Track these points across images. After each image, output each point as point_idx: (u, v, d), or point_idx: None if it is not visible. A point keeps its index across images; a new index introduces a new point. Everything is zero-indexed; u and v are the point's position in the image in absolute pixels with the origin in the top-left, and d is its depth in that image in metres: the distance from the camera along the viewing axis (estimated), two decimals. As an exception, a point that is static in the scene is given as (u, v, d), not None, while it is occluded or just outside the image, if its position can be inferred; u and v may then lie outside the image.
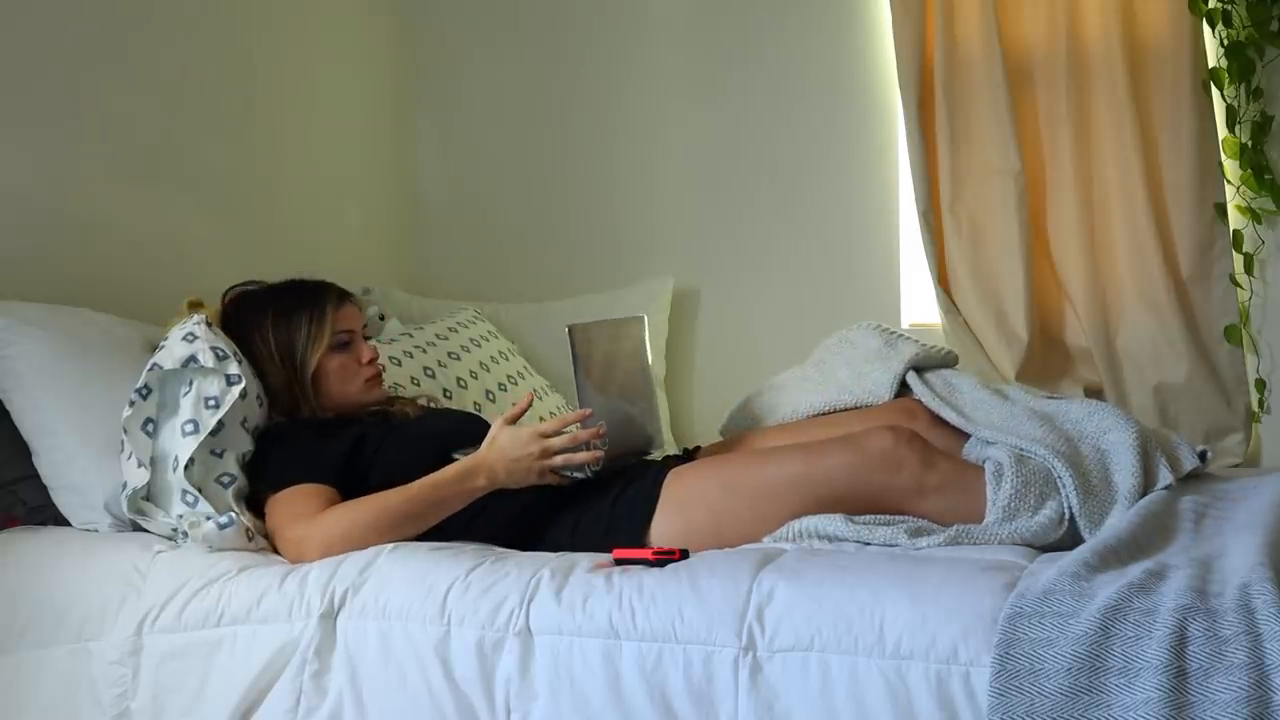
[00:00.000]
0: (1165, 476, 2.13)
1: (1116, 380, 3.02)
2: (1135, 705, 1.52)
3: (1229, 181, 2.95)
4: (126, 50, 2.73)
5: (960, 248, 3.07)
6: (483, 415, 2.64)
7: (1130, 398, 3.01)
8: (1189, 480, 2.22)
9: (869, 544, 1.99)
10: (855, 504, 2.07)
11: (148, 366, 2.21)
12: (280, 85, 3.15)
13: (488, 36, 3.51)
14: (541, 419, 2.86)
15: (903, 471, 2.07)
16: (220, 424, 2.19)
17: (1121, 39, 2.93)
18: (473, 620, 1.87)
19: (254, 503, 2.24)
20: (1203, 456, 2.29)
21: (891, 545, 1.99)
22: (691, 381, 3.34)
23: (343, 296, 2.41)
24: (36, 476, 2.32)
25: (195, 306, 2.36)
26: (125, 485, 2.19)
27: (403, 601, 1.92)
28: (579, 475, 2.15)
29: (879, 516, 2.07)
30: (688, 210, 3.37)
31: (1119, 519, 1.99)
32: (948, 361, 2.51)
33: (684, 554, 1.95)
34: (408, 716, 1.88)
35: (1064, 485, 2.05)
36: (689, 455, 2.42)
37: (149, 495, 2.20)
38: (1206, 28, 2.90)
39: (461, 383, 2.80)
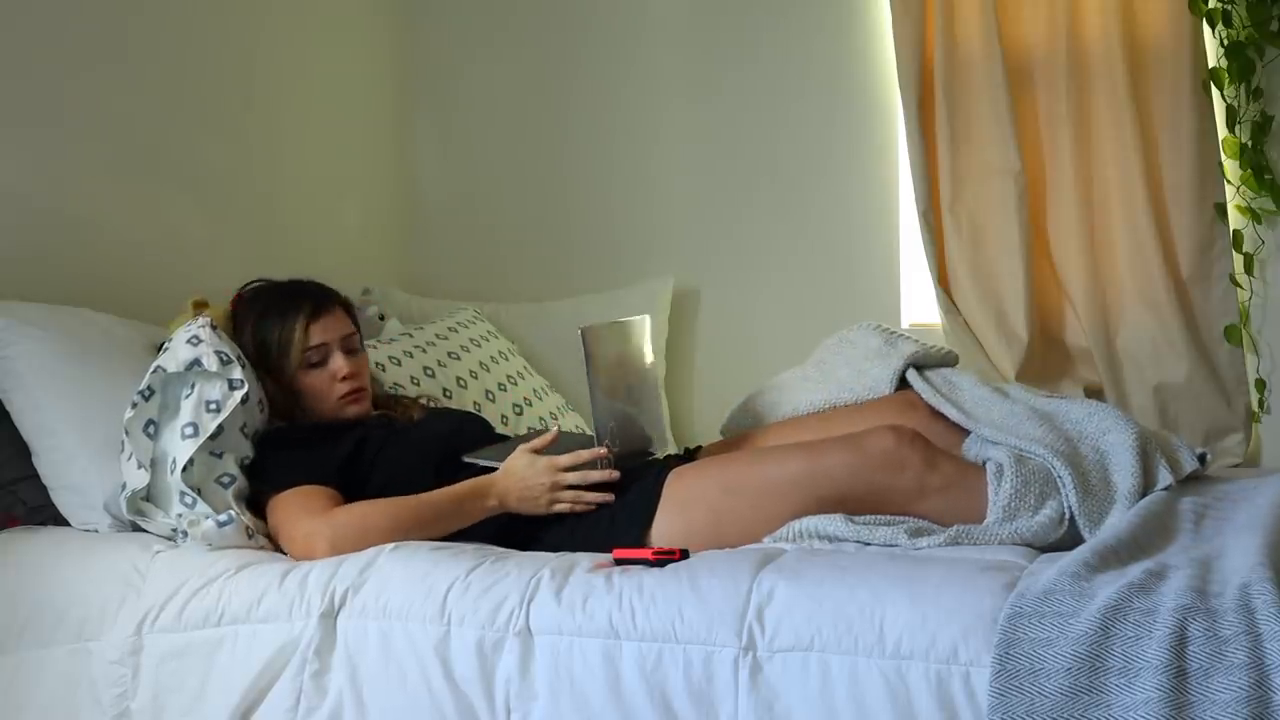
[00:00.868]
0: (1165, 477, 2.13)
1: (1116, 380, 3.02)
2: (1135, 705, 1.52)
3: (1229, 181, 2.95)
4: (126, 50, 2.73)
5: (960, 248, 3.07)
6: (482, 415, 2.64)
7: (1130, 398, 3.01)
8: (1189, 481, 2.22)
9: (869, 544, 1.99)
10: (857, 504, 2.07)
11: (151, 369, 2.21)
12: (280, 85, 3.15)
13: (487, 37, 3.51)
14: (541, 419, 2.87)
15: (905, 472, 2.07)
16: (220, 428, 2.19)
17: (1121, 39, 2.93)
18: (473, 620, 1.87)
19: (254, 504, 2.23)
20: (1202, 459, 2.29)
21: (892, 545, 1.99)
22: (691, 381, 3.34)
23: (319, 309, 2.33)
24: (36, 476, 2.32)
25: (200, 306, 2.35)
26: (125, 486, 2.19)
27: (403, 601, 1.92)
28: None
29: (879, 516, 2.07)
30: (688, 210, 3.37)
31: (1119, 519, 1.99)
32: (947, 361, 2.51)
33: (684, 554, 1.95)
34: (408, 716, 1.88)
35: (1064, 485, 2.05)
36: (690, 455, 2.43)
37: (149, 496, 2.20)
38: (1206, 28, 2.90)
39: (461, 382, 2.80)
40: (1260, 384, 2.99)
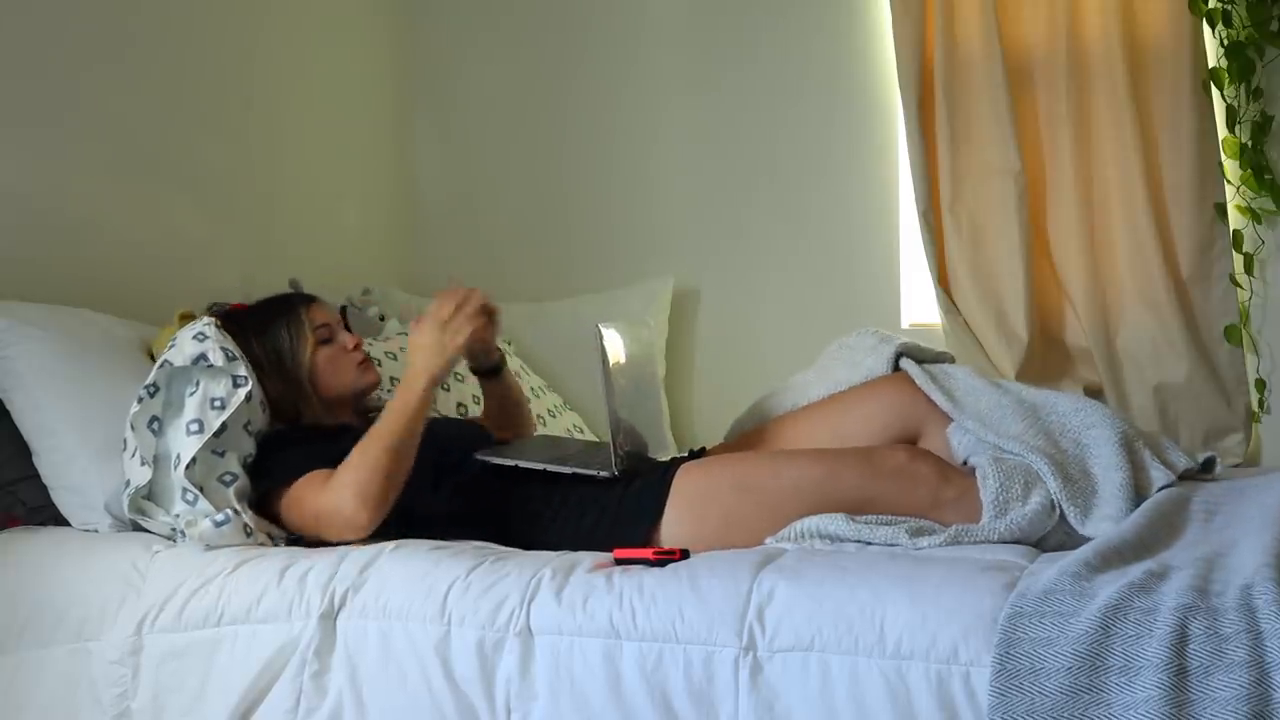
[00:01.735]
0: (1161, 474, 2.13)
1: (1116, 380, 3.02)
2: (1136, 704, 1.52)
3: (1229, 181, 2.95)
4: (125, 50, 2.73)
5: (960, 248, 3.07)
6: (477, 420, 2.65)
7: (1130, 398, 3.01)
8: (1198, 478, 2.24)
9: (870, 544, 2.00)
10: (870, 513, 2.08)
11: (158, 363, 2.22)
12: (280, 85, 3.15)
13: (488, 37, 3.51)
14: (540, 417, 2.87)
15: (920, 487, 2.09)
16: (224, 425, 2.19)
17: (1121, 39, 2.93)
18: (473, 620, 1.87)
19: (258, 506, 2.23)
20: (1211, 464, 2.28)
21: (892, 545, 1.99)
22: (691, 381, 3.34)
23: (308, 299, 2.44)
24: (36, 477, 2.32)
25: (186, 319, 2.37)
26: (129, 484, 2.19)
27: (403, 601, 1.92)
28: (603, 474, 2.17)
29: (880, 516, 2.07)
30: (688, 210, 3.37)
31: (1124, 519, 1.99)
32: (942, 359, 2.52)
33: (684, 554, 1.95)
34: (408, 716, 1.88)
35: (1043, 474, 2.08)
36: (694, 456, 2.43)
37: (150, 495, 2.20)
38: (1206, 28, 2.90)
39: (459, 377, 2.80)
40: (1260, 384, 2.99)
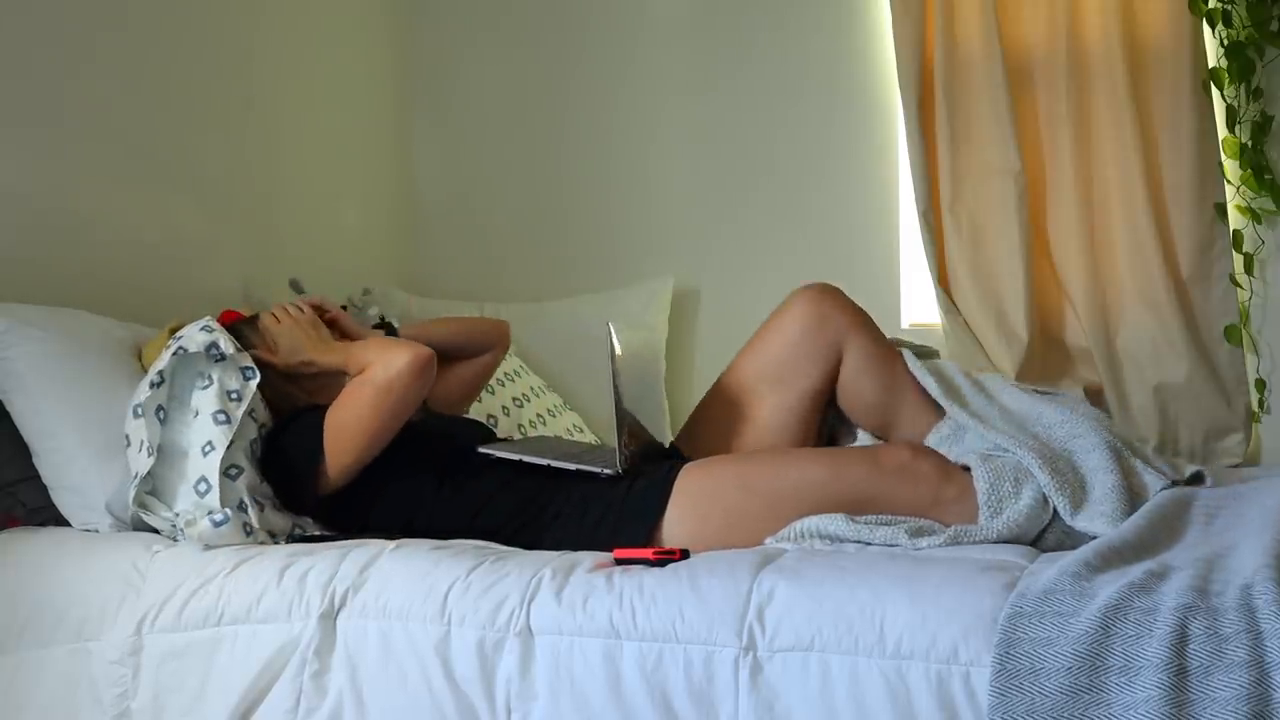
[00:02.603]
0: (1156, 477, 2.13)
1: (1116, 380, 3.02)
2: (1136, 703, 1.52)
3: (1229, 181, 2.96)
4: (125, 50, 2.73)
5: (960, 248, 3.08)
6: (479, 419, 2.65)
7: (1130, 398, 3.01)
8: (1197, 480, 2.24)
9: (869, 544, 2.00)
10: (873, 511, 2.08)
11: (171, 350, 2.22)
12: (280, 85, 3.15)
13: (487, 36, 3.51)
14: (539, 416, 2.87)
15: (920, 485, 2.09)
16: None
17: (1121, 39, 2.93)
18: (473, 620, 1.87)
19: (286, 496, 2.25)
20: (1199, 477, 2.27)
21: (892, 545, 1.99)
22: (691, 381, 3.34)
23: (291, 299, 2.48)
24: (37, 477, 2.32)
25: (176, 332, 2.36)
26: (135, 476, 2.18)
27: (403, 601, 1.92)
28: (608, 472, 2.18)
29: (880, 516, 2.07)
30: (687, 210, 3.37)
31: (1122, 520, 1.99)
32: (927, 354, 2.53)
33: (684, 554, 1.95)
34: (408, 716, 1.88)
35: (1031, 467, 2.08)
36: (675, 454, 2.42)
37: (153, 489, 2.19)
38: (1206, 28, 2.90)
39: (491, 390, 2.79)
40: (1260, 384, 2.99)
